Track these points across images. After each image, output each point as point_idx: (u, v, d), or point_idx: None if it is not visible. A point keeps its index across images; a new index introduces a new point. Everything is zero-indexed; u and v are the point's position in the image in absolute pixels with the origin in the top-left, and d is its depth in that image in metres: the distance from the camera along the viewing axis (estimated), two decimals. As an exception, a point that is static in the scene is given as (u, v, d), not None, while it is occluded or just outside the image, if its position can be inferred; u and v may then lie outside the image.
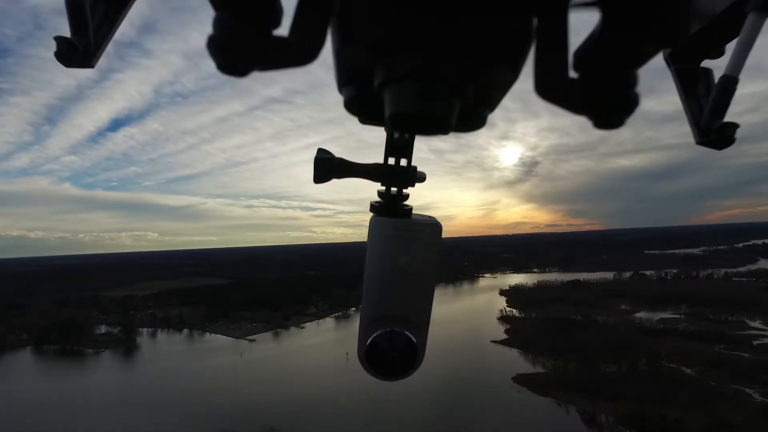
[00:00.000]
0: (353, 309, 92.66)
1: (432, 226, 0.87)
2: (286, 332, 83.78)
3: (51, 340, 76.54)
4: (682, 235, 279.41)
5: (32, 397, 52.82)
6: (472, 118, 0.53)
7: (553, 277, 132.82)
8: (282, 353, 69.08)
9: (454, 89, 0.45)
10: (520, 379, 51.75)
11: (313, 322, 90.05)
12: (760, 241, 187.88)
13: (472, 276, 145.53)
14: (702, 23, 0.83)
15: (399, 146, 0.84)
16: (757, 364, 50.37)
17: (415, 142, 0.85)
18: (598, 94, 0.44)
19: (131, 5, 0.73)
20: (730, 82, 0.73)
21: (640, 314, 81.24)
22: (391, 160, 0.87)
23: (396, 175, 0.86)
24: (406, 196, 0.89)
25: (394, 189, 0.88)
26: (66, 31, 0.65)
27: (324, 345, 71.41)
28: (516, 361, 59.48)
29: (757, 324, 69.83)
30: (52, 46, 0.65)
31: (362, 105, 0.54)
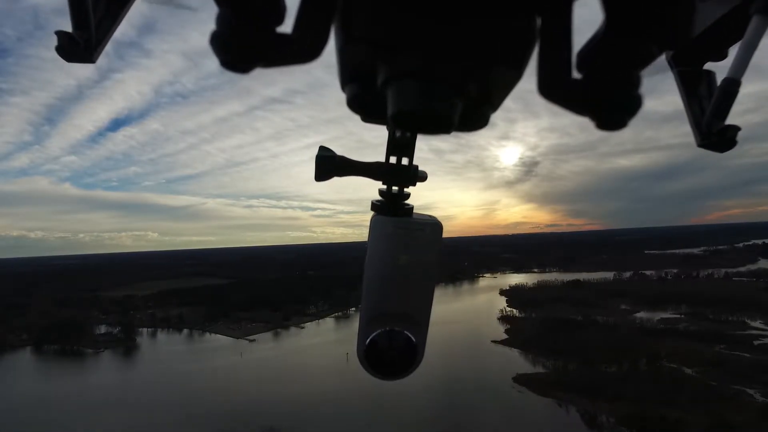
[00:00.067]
0: (353, 309, 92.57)
1: (433, 225, 0.87)
2: (286, 332, 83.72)
3: (51, 340, 76.44)
4: (682, 235, 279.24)
5: (32, 397, 52.78)
6: (474, 118, 0.53)
7: (553, 277, 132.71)
8: (282, 353, 69.03)
9: (457, 88, 0.45)
10: (521, 379, 51.71)
11: (313, 322, 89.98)
12: (760, 241, 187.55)
13: (472, 276, 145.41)
14: (705, 25, 0.82)
15: (401, 145, 0.84)
16: (757, 364, 50.32)
17: (416, 141, 0.85)
18: (600, 95, 0.44)
19: (133, 1, 0.73)
20: (732, 85, 0.73)
21: (641, 314, 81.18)
22: (393, 159, 0.86)
23: (397, 174, 0.86)
24: (408, 195, 0.89)
25: (395, 188, 0.88)
26: (67, 28, 0.65)
27: (324, 345, 71.34)
28: (516, 361, 59.43)
29: (757, 324, 69.78)
30: (52, 45, 0.65)
31: (365, 103, 0.54)
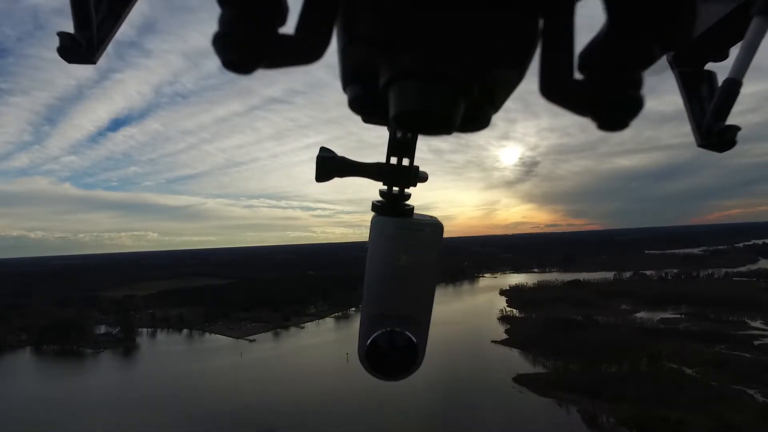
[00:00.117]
0: (353, 309, 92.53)
1: (433, 225, 0.87)
2: (286, 332, 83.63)
3: (50, 340, 76.32)
4: (682, 235, 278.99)
5: (32, 397, 52.70)
6: (476, 119, 0.53)
7: (553, 277, 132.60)
8: (282, 353, 68.94)
9: (458, 89, 0.45)
10: (521, 380, 51.62)
11: (313, 322, 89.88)
12: (760, 241, 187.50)
13: (472, 276, 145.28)
14: (706, 26, 0.83)
15: (401, 145, 0.84)
16: (758, 365, 50.23)
17: (417, 141, 0.85)
18: (602, 95, 0.43)
19: (135, 1, 0.73)
20: (733, 86, 0.73)
21: (641, 314, 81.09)
22: (393, 160, 0.86)
23: (398, 175, 0.86)
24: (408, 196, 0.89)
25: (395, 188, 0.88)
26: (68, 28, 0.65)
27: (324, 345, 71.26)
28: (516, 361, 59.34)
29: (758, 324, 69.70)
30: (52, 45, 0.64)
31: (366, 104, 0.54)
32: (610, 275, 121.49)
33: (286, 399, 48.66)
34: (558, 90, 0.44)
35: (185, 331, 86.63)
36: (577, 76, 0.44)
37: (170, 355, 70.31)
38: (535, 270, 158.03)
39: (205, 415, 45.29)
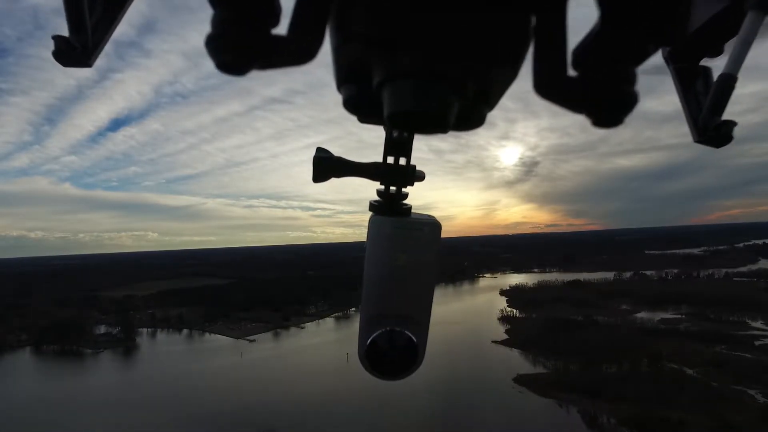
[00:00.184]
0: (353, 309, 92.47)
1: (431, 224, 0.87)
2: (286, 332, 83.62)
3: (50, 340, 76.32)
4: (682, 235, 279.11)
5: (31, 397, 52.68)
6: (471, 117, 0.53)
7: (553, 277, 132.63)
8: (282, 353, 68.92)
9: (452, 87, 0.45)
10: (521, 380, 51.61)
11: (313, 322, 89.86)
12: (760, 241, 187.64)
13: (472, 276, 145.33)
14: (701, 21, 0.83)
15: (398, 145, 0.84)
16: (758, 365, 50.20)
17: (414, 141, 0.84)
18: (596, 92, 0.44)
19: (130, 4, 0.74)
20: (728, 81, 0.74)
21: (641, 314, 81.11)
22: (390, 159, 0.86)
23: (395, 174, 0.86)
24: (405, 195, 0.88)
25: (393, 188, 0.88)
26: (64, 31, 0.65)
27: (324, 345, 71.25)
28: (516, 361, 59.32)
29: (758, 324, 69.69)
30: (52, 45, 0.65)
31: (361, 103, 0.54)
32: (610, 275, 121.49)
33: (286, 399, 48.64)
34: (552, 87, 0.45)
35: (185, 331, 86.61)
36: (571, 72, 0.44)
37: (170, 355, 70.28)
38: (535, 270, 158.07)
39: (205, 415, 45.27)
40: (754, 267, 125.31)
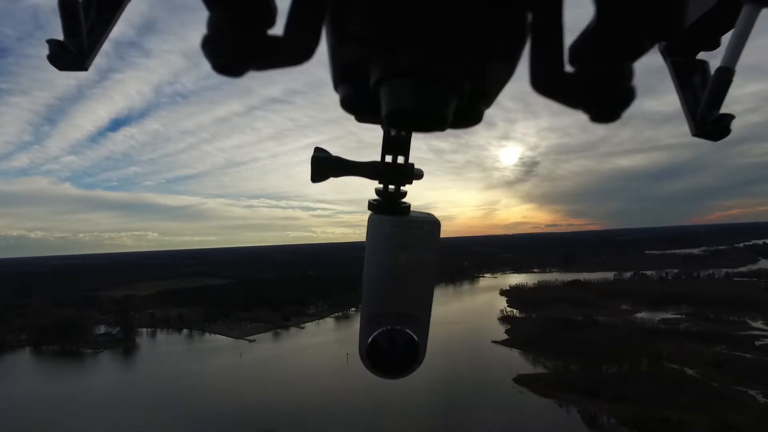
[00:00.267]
0: (353, 309, 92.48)
1: (430, 223, 0.87)
2: (286, 332, 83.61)
3: (50, 340, 76.30)
4: (682, 235, 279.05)
5: (31, 397, 52.67)
6: (468, 114, 0.53)
7: (553, 277, 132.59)
8: (282, 353, 68.91)
9: (449, 85, 0.45)
10: (521, 380, 51.60)
11: (313, 322, 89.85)
12: (760, 241, 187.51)
13: (472, 276, 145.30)
14: (697, 15, 0.82)
15: (396, 143, 0.84)
16: (759, 365, 50.20)
17: (413, 141, 0.84)
18: (594, 87, 0.44)
19: (125, 6, 0.73)
20: (726, 74, 0.73)
21: (641, 314, 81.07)
22: (389, 158, 0.86)
23: (393, 173, 0.86)
24: (404, 194, 0.88)
25: (391, 186, 0.88)
26: (60, 34, 0.65)
27: (324, 345, 71.24)
28: (516, 361, 59.31)
29: (758, 324, 69.66)
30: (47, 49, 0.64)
31: (358, 103, 0.54)
32: (610, 275, 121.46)
33: (286, 399, 48.63)
34: (549, 83, 0.44)
35: (185, 331, 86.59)
36: (568, 69, 0.44)
37: (170, 355, 70.27)
38: (535, 270, 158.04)
39: (205, 415, 45.26)
40: (754, 267, 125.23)
